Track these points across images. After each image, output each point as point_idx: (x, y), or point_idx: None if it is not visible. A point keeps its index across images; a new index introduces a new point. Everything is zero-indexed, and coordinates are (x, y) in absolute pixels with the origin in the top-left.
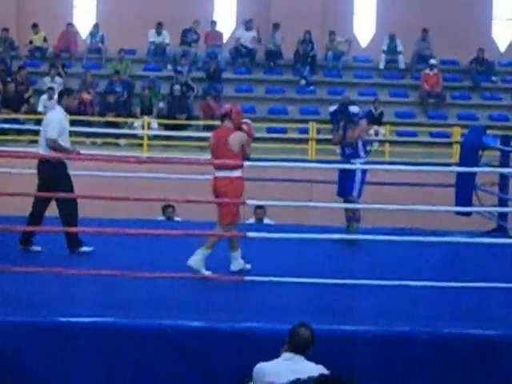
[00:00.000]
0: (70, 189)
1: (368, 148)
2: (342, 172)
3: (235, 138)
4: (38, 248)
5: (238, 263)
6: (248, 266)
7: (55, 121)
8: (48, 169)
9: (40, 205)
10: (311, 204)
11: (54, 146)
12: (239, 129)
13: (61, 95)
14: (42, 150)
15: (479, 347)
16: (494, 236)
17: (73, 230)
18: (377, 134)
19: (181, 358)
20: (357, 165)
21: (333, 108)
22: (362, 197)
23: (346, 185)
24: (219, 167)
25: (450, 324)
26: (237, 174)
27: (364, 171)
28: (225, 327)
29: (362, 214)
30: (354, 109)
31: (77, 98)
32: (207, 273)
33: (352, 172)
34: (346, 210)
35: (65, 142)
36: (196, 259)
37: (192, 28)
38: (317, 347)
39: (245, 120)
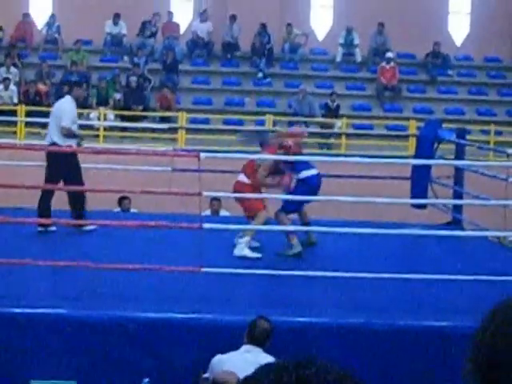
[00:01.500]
0: (78, 171)
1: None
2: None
3: (262, 165)
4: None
5: (242, 248)
6: (256, 255)
7: (67, 110)
8: (58, 157)
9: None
10: (266, 196)
11: (68, 133)
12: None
13: (71, 86)
14: (56, 138)
15: (433, 338)
16: (448, 229)
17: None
18: (333, 126)
19: (137, 349)
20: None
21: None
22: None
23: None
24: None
25: (405, 316)
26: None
27: (300, 187)
28: (181, 318)
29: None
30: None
31: (85, 89)
32: (255, 254)
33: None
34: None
35: (75, 129)
36: (239, 248)
37: (152, 20)
38: (274, 339)
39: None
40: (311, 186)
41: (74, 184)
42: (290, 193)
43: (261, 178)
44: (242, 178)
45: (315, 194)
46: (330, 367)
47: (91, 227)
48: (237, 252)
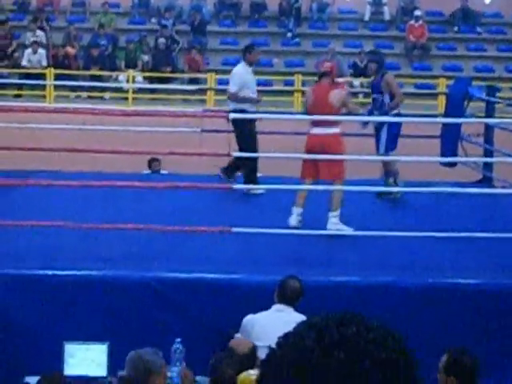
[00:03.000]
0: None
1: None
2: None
3: (336, 96)
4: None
5: (335, 223)
6: (349, 230)
7: (235, 75)
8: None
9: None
10: (298, 155)
11: (234, 98)
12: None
13: (244, 52)
14: (229, 103)
15: (463, 296)
16: (479, 187)
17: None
18: (362, 85)
19: (167, 309)
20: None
21: None
22: (396, 149)
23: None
24: (318, 124)
25: (435, 274)
26: (336, 130)
27: (392, 124)
28: (212, 278)
29: (396, 167)
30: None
31: (258, 53)
32: (347, 228)
33: (378, 129)
34: (383, 164)
35: (248, 94)
36: (332, 223)
37: None
38: (304, 298)
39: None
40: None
41: (247, 151)
42: (389, 129)
43: (351, 105)
44: (323, 130)
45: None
46: (372, 324)
47: (261, 191)
48: (330, 227)
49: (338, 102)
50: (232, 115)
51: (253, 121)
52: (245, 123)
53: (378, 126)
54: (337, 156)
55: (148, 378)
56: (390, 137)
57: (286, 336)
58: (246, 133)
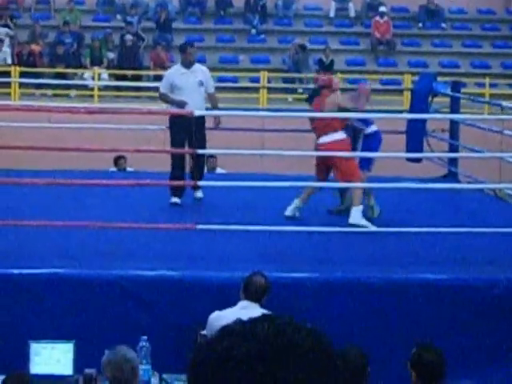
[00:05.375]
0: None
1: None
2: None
3: (329, 100)
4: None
5: (357, 217)
6: (371, 226)
7: (165, 76)
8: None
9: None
10: (265, 152)
11: (162, 98)
12: None
13: (179, 51)
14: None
15: (428, 291)
16: (444, 182)
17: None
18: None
19: (133, 307)
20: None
21: None
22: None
23: None
24: (323, 133)
25: (400, 269)
26: (341, 135)
27: (364, 144)
28: (178, 276)
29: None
30: None
31: (192, 52)
32: (371, 226)
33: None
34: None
35: (177, 97)
36: (353, 216)
37: None
38: (271, 295)
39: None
40: (380, 141)
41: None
42: (363, 149)
43: (350, 103)
44: (328, 137)
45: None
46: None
47: (199, 195)
48: (352, 221)
49: (329, 105)
50: (198, 112)
51: (186, 122)
52: (175, 124)
53: (353, 144)
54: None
55: (134, 378)
56: (364, 157)
57: (222, 329)
58: (173, 134)
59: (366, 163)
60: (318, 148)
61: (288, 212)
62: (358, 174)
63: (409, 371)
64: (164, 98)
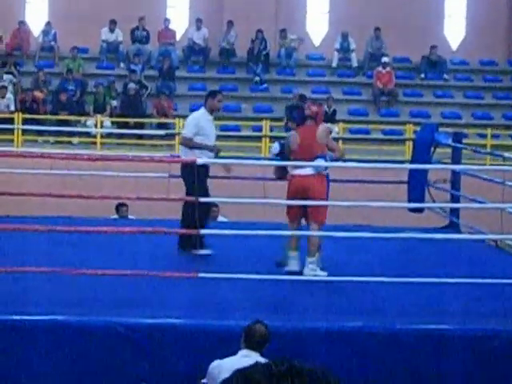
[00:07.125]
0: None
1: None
2: None
3: (321, 132)
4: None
5: (313, 269)
6: (323, 274)
7: (189, 120)
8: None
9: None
10: (267, 201)
11: (187, 143)
12: None
13: (206, 97)
14: (180, 149)
15: (431, 341)
16: (446, 232)
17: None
18: (330, 131)
19: (135, 355)
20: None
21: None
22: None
23: None
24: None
25: (402, 319)
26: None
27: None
28: (178, 323)
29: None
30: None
31: (220, 100)
32: (323, 273)
33: None
34: None
35: (203, 141)
36: (309, 268)
37: (139, 26)
38: (271, 344)
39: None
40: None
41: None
42: None
43: (338, 148)
44: (306, 170)
45: None
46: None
47: (206, 251)
48: (307, 272)
49: (324, 136)
50: (200, 160)
51: (203, 170)
52: (192, 171)
53: None
54: (321, 202)
55: None
56: None
57: (238, 371)
58: (191, 181)
59: None
60: (295, 180)
61: (294, 267)
62: (324, 222)
63: None
64: (193, 143)
